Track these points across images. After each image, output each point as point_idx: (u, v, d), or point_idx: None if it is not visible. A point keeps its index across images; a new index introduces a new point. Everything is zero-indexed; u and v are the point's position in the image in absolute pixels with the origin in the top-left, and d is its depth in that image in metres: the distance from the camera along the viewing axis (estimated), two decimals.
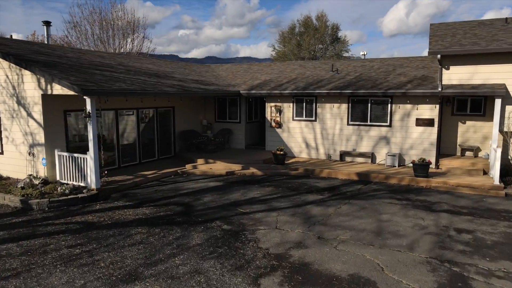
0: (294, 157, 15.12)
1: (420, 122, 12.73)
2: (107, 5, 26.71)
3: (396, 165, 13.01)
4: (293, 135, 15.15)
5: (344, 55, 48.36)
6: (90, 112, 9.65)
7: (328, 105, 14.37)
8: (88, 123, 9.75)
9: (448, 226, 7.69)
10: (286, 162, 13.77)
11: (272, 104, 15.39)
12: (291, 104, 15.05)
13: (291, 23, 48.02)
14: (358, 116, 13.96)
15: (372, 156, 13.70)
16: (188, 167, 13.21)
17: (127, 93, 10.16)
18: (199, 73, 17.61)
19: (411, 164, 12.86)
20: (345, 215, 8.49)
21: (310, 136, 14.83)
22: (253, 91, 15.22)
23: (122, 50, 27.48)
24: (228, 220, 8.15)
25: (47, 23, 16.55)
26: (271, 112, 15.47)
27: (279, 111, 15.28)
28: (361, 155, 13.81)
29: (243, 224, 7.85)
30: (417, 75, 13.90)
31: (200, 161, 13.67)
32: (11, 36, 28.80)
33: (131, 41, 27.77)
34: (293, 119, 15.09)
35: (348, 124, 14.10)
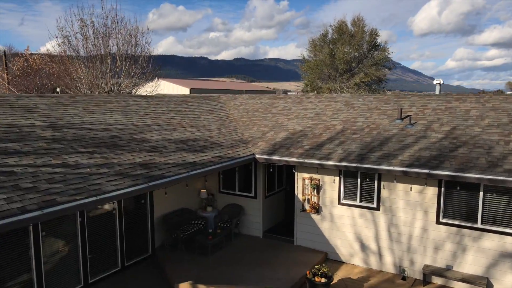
0: (340, 262, 9.33)
1: None
2: (101, 17, 21.48)
3: None
4: (340, 227, 9.35)
5: (384, 64, 41.83)
6: None
7: (401, 187, 8.48)
8: None
9: None
10: (330, 274, 7.98)
11: (306, 175, 9.65)
12: (337, 179, 9.26)
13: (323, 29, 42.03)
14: (458, 210, 8.01)
15: (487, 285, 7.68)
16: None
17: None
18: (198, 115, 12.09)
19: None
20: None
21: (368, 232, 8.99)
22: (276, 157, 9.51)
23: (118, 65, 22.50)
24: None
25: None
26: (303, 187, 9.74)
27: (317, 187, 9.52)
28: (464, 280, 7.82)
29: None
30: None
31: (183, 287, 8.09)
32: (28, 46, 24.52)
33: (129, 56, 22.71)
34: (339, 203, 9.30)
35: (438, 222, 8.16)
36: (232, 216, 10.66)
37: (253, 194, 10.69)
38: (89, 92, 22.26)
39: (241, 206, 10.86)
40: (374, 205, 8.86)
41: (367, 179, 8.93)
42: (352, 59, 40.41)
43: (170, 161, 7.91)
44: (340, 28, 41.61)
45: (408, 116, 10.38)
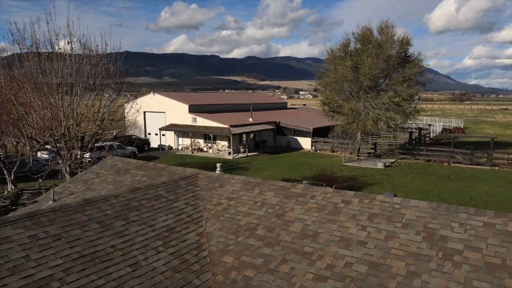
0: None
1: None
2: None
3: None
4: None
5: (417, 78, 35.32)
6: None
7: None
8: None
9: None
10: None
11: None
12: None
13: (344, 37, 35.61)
14: None
15: None
16: None
17: None
18: (136, 259, 6.17)
19: None
20: None
21: None
22: None
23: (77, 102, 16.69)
24: None
25: None
26: None
27: None
28: None
29: None
30: None
31: None
32: None
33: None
34: None
35: None
36: None
37: None
38: (44, 136, 16.47)
39: None
40: None
41: None
42: (380, 73, 34.03)
43: None
44: (365, 36, 35.27)
45: None
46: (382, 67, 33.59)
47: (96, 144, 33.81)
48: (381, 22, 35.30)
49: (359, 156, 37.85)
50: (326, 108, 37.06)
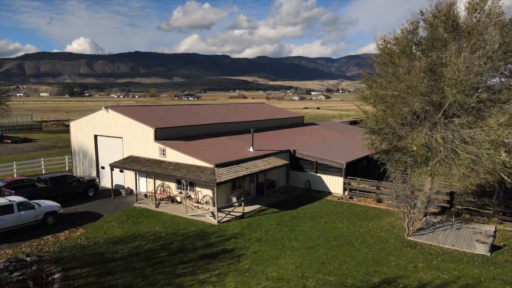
0: None
1: None
2: None
3: None
4: None
5: None
6: None
7: None
8: None
9: None
10: None
11: None
12: None
13: (409, 19, 20.24)
14: None
15: None
16: None
17: None
18: None
19: None
20: None
21: None
22: None
23: None
24: None
25: None
26: None
27: None
28: None
29: None
30: None
31: None
32: None
33: None
34: None
35: None
36: None
37: None
38: None
39: None
40: None
41: None
42: (480, 81, 19.09)
43: None
44: (444, 16, 20.42)
45: None
46: (483, 69, 18.63)
47: None
48: None
49: (427, 215, 22.97)
50: (377, 139, 22.18)
